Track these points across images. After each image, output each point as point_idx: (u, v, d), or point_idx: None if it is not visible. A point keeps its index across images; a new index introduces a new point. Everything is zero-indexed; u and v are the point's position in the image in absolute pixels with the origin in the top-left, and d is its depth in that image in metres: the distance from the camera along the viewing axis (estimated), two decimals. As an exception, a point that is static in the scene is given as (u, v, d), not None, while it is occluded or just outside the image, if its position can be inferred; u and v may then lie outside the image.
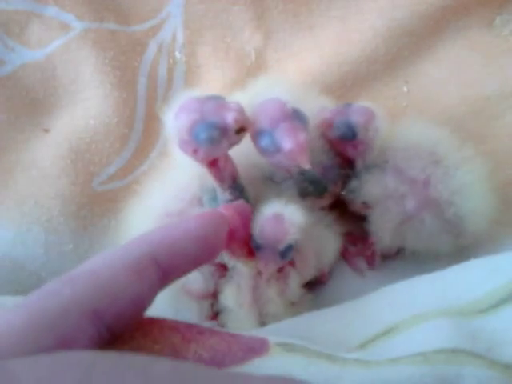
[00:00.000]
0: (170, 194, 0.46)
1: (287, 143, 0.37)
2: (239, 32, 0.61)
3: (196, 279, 0.45)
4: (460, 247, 0.47)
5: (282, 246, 0.40)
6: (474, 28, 0.59)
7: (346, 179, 0.48)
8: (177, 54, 0.61)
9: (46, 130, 0.57)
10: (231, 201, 0.43)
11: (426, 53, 0.59)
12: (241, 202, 0.43)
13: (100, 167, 0.56)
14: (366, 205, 0.48)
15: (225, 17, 0.61)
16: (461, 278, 0.36)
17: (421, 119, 0.50)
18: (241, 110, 0.39)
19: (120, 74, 0.58)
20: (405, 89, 0.59)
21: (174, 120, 0.39)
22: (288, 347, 0.31)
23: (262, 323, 0.43)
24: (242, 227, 0.41)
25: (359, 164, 0.47)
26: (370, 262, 0.50)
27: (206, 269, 0.45)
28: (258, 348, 0.30)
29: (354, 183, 0.48)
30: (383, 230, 0.47)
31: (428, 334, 0.32)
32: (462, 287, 0.35)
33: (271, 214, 0.40)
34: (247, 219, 0.41)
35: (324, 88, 0.58)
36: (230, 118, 0.38)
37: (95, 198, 0.56)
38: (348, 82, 0.59)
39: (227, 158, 0.43)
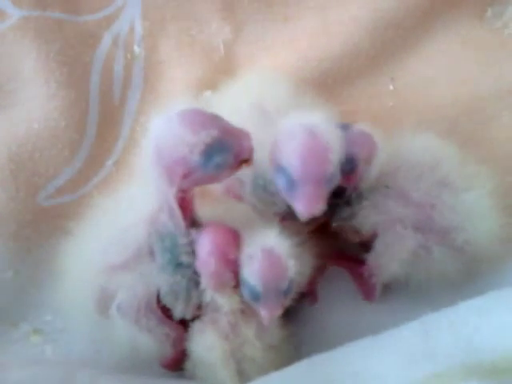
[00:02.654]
0: (111, 238, 0.39)
1: (301, 208, 0.35)
2: (206, 24, 0.56)
3: (146, 344, 0.38)
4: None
5: (285, 285, 0.35)
6: (465, 21, 0.55)
7: (334, 208, 0.43)
8: (135, 47, 0.56)
9: (-20, 136, 0.50)
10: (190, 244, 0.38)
11: (413, 47, 0.55)
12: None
13: (46, 179, 0.50)
14: (359, 233, 0.43)
15: (189, 6, 0.56)
16: (486, 322, 0.30)
17: (410, 123, 0.46)
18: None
19: (68, 70, 0.52)
20: (391, 87, 0.55)
21: (182, 131, 0.34)
22: None
23: (240, 371, 0.37)
24: (234, 248, 0.36)
25: (350, 192, 0.42)
26: (369, 295, 0.46)
27: (159, 330, 0.39)
28: None
29: (345, 211, 0.43)
30: (391, 260, 0.42)
31: None
32: (490, 335, 0.29)
33: (259, 252, 0.35)
34: (237, 239, 0.37)
35: (302, 86, 0.52)
36: (246, 145, 0.35)
37: (41, 215, 0.49)
38: (328, 80, 0.54)
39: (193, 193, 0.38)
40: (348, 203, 0.43)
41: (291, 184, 0.35)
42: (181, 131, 0.34)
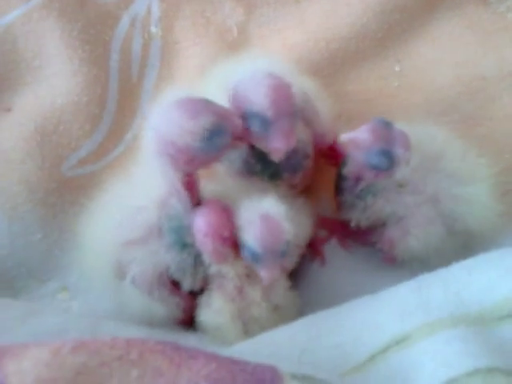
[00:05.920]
0: (125, 215, 0.41)
1: (277, 143, 0.38)
2: (220, 6, 0.58)
3: (159, 311, 0.41)
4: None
5: (282, 246, 0.37)
6: (470, 4, 0.56)
7: (342, 202, 0.44)
8: (152, 28, 0.57)
9: (8, 109, 0.53)
10: None
11: (418, 30, 0.56)
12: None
13: (69, 150, 0.52)
14: (376, 222, 0.44)
15: (204, -11, 0.57)
16: (475, 279, 0.33)
17: (414, 103, 0.48)
18: None
19: (90, 48, 0.54)
20: (396, 68, 0.56)
21: (181, 120, 0.35)
22: (306, 381, 0.28)
23: (246, 332, 0.40)
24: (228, 224, 0.38)
25: (364, 185, 0.42)
26: (389, 260, 0.46)
27: (170, 299, 0.41)
28: (268, 380, 0.27)
29: (358, 205, 0.43)
30: (411, 240, 0.43)
31: (449, 347, 0.28)
32: (478, 290, 0.32)
33: (258, 217, 0.37)
34: (230, 216, 0.39)
35: (311, 66, 0.55)
36: (237, 124, 0.37)
37: (65, 184, 0.52)
38: (337, 60, 0.56)
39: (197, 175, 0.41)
40: (359, 197, 0.43)
41: (265, 124, 0.37)
42: (179, 120, 0.35)
